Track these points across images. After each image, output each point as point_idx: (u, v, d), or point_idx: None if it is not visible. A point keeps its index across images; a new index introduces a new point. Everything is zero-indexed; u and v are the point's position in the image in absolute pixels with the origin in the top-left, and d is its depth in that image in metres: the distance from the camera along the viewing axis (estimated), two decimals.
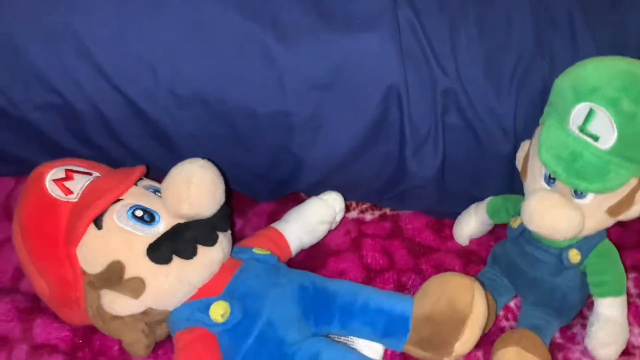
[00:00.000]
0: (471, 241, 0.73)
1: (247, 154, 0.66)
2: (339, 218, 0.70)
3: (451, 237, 0.74)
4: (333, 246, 0.72)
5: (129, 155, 0.64)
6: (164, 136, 0.63)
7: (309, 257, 0.70)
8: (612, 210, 0.56)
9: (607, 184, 0.52)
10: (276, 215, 0.73)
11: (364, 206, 0.78)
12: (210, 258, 0.55)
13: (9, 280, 0.63)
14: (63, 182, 0.55)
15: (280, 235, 0.65)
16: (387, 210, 0.78)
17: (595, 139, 0.52)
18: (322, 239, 0.71)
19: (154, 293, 0.53)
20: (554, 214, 0.55)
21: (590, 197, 0.55)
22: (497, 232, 0.74)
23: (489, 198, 0.70)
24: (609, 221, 0.58)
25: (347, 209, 0.75)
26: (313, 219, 0.66)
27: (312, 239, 0.67)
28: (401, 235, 0.75)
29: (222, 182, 0.55)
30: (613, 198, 0.55)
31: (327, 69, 0.61)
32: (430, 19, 0.63)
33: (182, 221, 0.54)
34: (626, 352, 0.61)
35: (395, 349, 0.57)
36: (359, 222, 0.76)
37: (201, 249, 0.54)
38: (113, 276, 0.51)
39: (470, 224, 0.72)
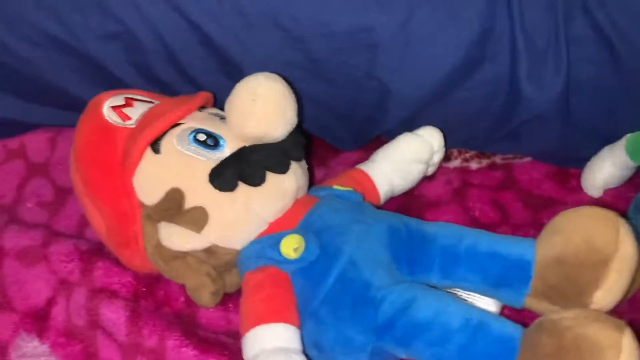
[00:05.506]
0: (605, 192, 0.63)
1: (325, 85, 0.58)
2: (437, 159, 0.60)
3: (579, 189, 0.64)
4: (431, 197, 0.63)
5: (195, 91, 0.59)
6: (232, 65, 0.57)
7: (401, 207, 0.60)
8: None
9: None
10: None
11: (467, 154, 0.68)
12: (282, 187, 0.47)
13: (75, 227, 0.60)
14: (122, 109, 0.51)
15: (366, 176, 0.56)
16: (498, 159, 0.67)
17: None
18: (417, 188, 0.61)
19: (218, 225, 0.46)
20: None
21: None
22: (636, 180, 0.63)
23: (628, 135, 0.59)
24: None
25: (448, 158, 0.66)
26: (405, 155, 0.57)
27: (405, 182, 0.58)
28: (515, 186, 0.65)
29: (294, 99, 0.48)
30: None
31: None
32: None
33: (248, 144, 0.47)
34: None
35: (514, 304, 0.46)
36: (462, 171, 0.66)
37: (271, 176, 0.47)
38: (172, 205, 0.46)
39: (605, 170, 0.62)
